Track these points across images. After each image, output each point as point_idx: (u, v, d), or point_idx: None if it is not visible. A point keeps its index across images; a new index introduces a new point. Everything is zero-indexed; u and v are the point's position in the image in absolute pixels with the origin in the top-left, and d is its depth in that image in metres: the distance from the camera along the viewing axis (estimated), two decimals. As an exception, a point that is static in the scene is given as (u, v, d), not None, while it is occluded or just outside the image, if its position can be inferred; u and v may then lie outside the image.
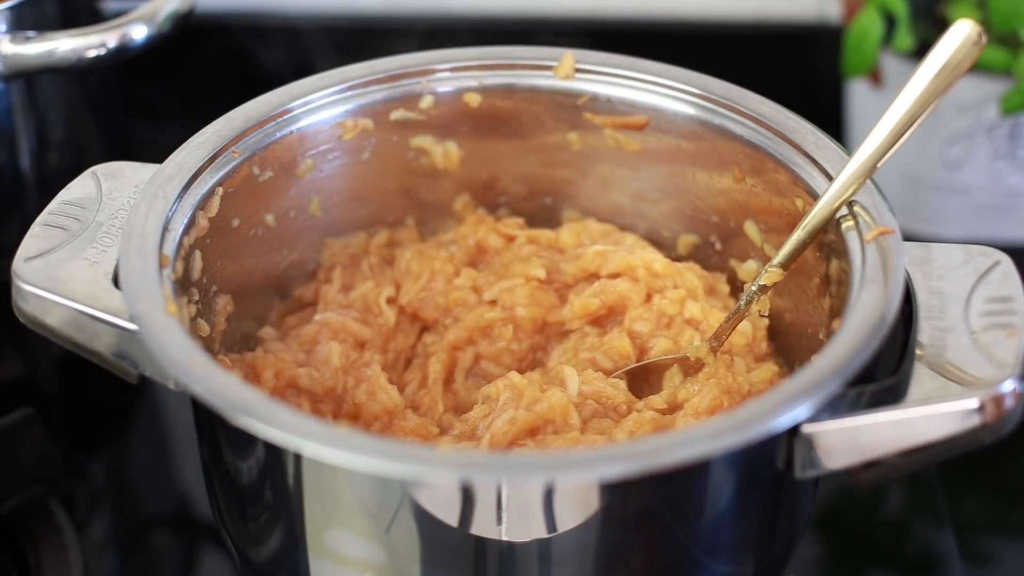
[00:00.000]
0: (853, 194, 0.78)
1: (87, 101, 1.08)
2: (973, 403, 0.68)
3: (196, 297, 0.80)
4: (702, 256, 0.90)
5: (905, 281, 0.74)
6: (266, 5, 1.29)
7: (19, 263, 0.76)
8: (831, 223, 0.78)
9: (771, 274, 0.81)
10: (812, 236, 0.79)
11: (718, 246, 0.90)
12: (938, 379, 0.70)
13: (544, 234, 0.91)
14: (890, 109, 0.78)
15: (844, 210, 0.78)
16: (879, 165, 0.78)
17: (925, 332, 0.72)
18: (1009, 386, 0.69)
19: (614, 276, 0.87)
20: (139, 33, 0.96)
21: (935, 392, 0.69)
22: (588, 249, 0.88)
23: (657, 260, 0.86)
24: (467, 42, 0.91)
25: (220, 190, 0.82)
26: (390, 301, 0.88)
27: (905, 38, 1.08)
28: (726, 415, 0.68)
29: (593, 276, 0.87)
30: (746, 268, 0.88)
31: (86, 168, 0.82)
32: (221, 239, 0.83)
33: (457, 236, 0.91)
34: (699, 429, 0.67)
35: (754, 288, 0.81)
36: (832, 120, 1.21)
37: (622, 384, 0.81)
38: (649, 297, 0.86)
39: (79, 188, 0.81)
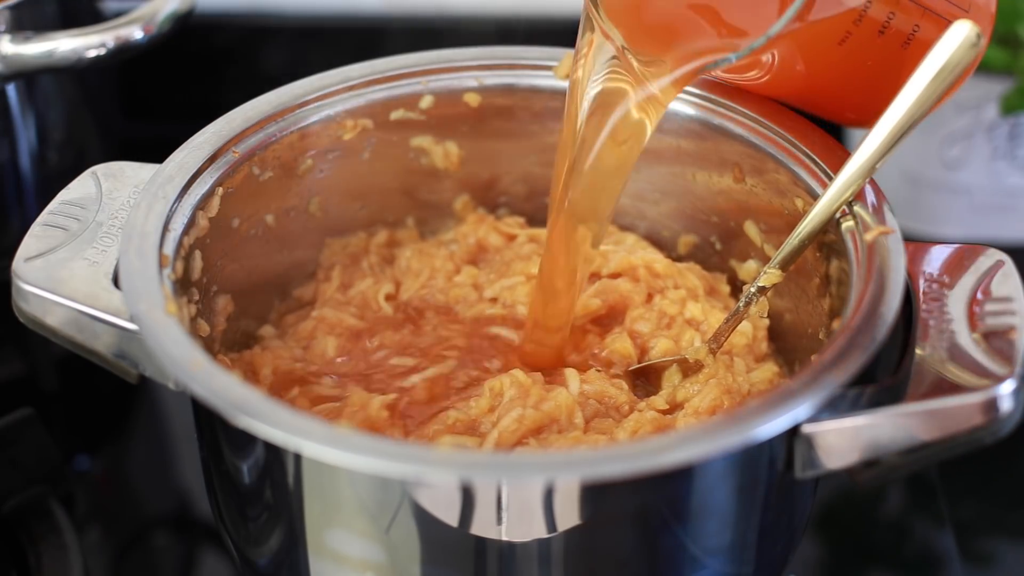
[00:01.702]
0: (850, 197, 0.78)
1: (87, 101, 1.08)
2: (973, 403, 0.68)
3: (196, 297, 0.80)
4: (702, 256, 0.91)
5: (905, 281, 0.74)
6: (266, 5, 1.29)
7: (19, 263, 0.76)
8: (831, 223, 0.79)
9: (769, 276, 0.81)
10: (811, 238, 0.79)
11: (718, 246, 0.90)
12: (938, 379, 0.70)
13: (545, 233, 0.91)
14: (888, 112, 0.78)
15: (844, 210, 0.78)
16: (877, 166, 0.78)
17: (925, 332, 0.72)
18: (1009, 386, 0.69)
19: (615, 276, 0.87)
20: (139, 33, 0.96)
21: (935, 392, 0.69)
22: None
23: (658, 260, 0.87)
24: (467, 42, 0.91)
25: (220, 190, 0.82)
26: (389, 298, 0.88)
27: (905, 38, 1.08)
28: (726, 415, 0.68)
29: (594, 276, 0.87)
30: (746, 268, 0.88)
31: (86, 168, 0.82)
32: (221, 239, 0.83)
33: (458, 235, 0.91)
34: (699, 429, 0.67)
35: (753, 290, 0.81)
36: (832, 120, 1.21)
37: (624, 384, 0.81)
38: (650, 297, 0.86)
39: (79, 188, 0.81)
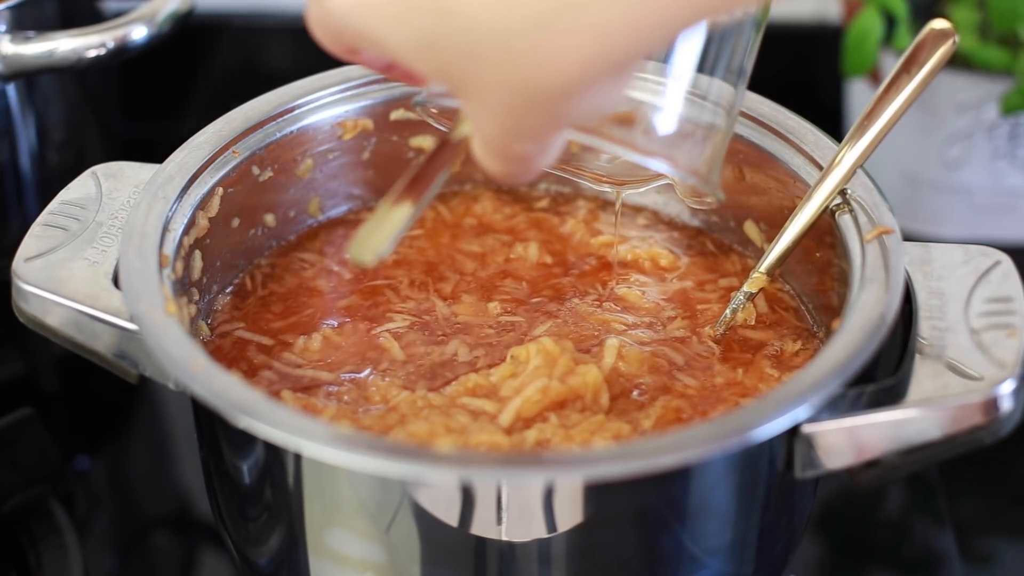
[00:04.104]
0: (830, 202, 0.79)
1: (87, 101, 1.08)
2: (973, 403, 0.68)
3: (196, 297, 0.80)
4: (701, 256, 0.91)
5: (905, 281, 0.74)
6: (266, 5, 1.29)
7: (19, 263, 0.76)
8: (830, 223, 0.79)
9: (756, 280, 0.81)
10: (795, 244, 0.80)
11: (717, 247, 0.90)
12: (938, 379, 0.70)
13: (548, 219, 0.91)
14: (880, 119, 0.79)
15: (844, 209, 0.78)
16: (857, 171, 0.79)
17: (925, 332, 0.72)
18: (1009, 386, 0.69)
19: (623, 266, 0.87)
20: (139, 33, 0.96)
21: (935, 392, 0.69)
22: (595, 240, 0.88)
23: (663, 255, 0.87)
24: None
25: (220, 190, 0.82)
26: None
27: (905, 38, 1.08)
28: (726, 415, 0.68)
29: (601, 262, 0.87)
30: (745, 269, 0.88)
31: (86, 168, 0.82)
32: (221, 239, 0.83)
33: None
34: (699, 429, 0.67)
35: (741, 296, 0.82)
36: (832, 120, 1.21)
37: (669, 355, 0.81)
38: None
39: (79, 188, 0.81)
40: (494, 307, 0.84)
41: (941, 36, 0.79)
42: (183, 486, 1.01)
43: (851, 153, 0.79)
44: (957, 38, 0.79)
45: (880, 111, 0.79)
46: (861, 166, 0.79)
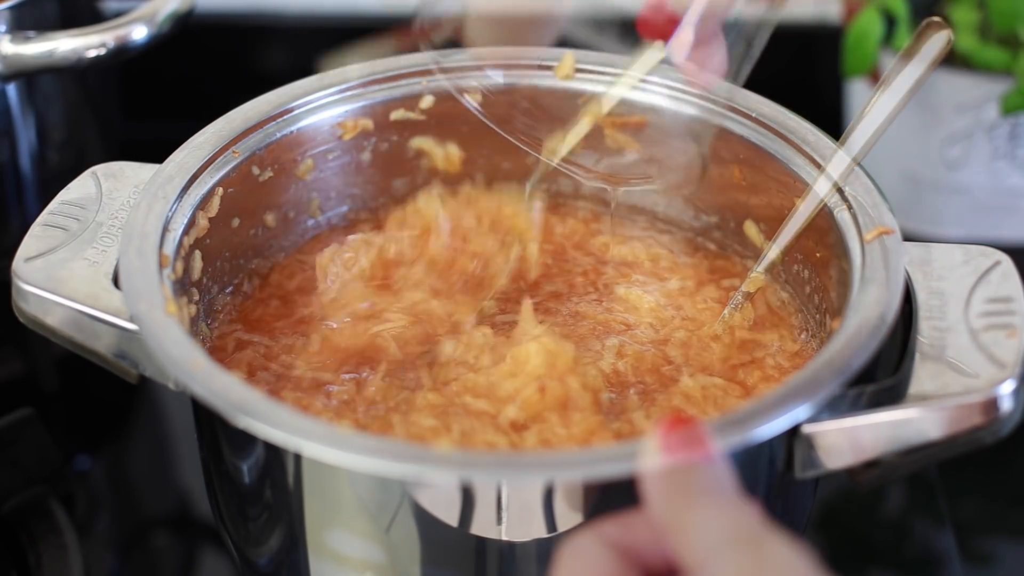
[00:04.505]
0: (827, 200, 0.79)
1: (87, 101, 1.08)
2: (973, 403, 0.68)
3: (196, 297, 0.80)
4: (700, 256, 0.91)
5: (905, 281, 0.74)
6: (266, 5, 1.29)
7: (19, 263, 0.76)
8: (829, 223, 0.79)
9: (755, 280, 0.81)
10: (793, 244, 0.80)
11: (717, 247, 0.90)
12: (938, 379, 0.70)
13: (548, 219, 0.91)
14: (861, 123, 0.80)
15: (842, 207, 0.78)
16: (852, 171, 0.79)
17: (925, 332, 0.72)
18: (1009, 386, 0.69)
19: (621, 267, 0.87)
20: (139, 33, 0.96)
21: (935, 392, 0.69)
22: (595, 240, 0.88)
23: (664, 256, 0.87)
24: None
25: (220, 190, 0.82)
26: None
27: (905, 38, 1.08)
28: (726, 415, 0.68)
29: (600, 263, 0.88)
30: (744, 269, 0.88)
31: (86, 168, 0.82)
32: (221, 239, 0.83)
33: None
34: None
35: (739, 296, 0.82)
36: (832, 120, 1.21)
37: (665, 357, 0.81)
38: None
39: (79, 188, 0.81)
40: (490, 306, 0.84)
41: (937, 33, 0.79)
42: (183, 486, 1.01)
43: (848, 151, 0.79)
44: (952, 35, 0.79)
45: (877, 108, 0.79)
46: (859, 164, 0.79)
